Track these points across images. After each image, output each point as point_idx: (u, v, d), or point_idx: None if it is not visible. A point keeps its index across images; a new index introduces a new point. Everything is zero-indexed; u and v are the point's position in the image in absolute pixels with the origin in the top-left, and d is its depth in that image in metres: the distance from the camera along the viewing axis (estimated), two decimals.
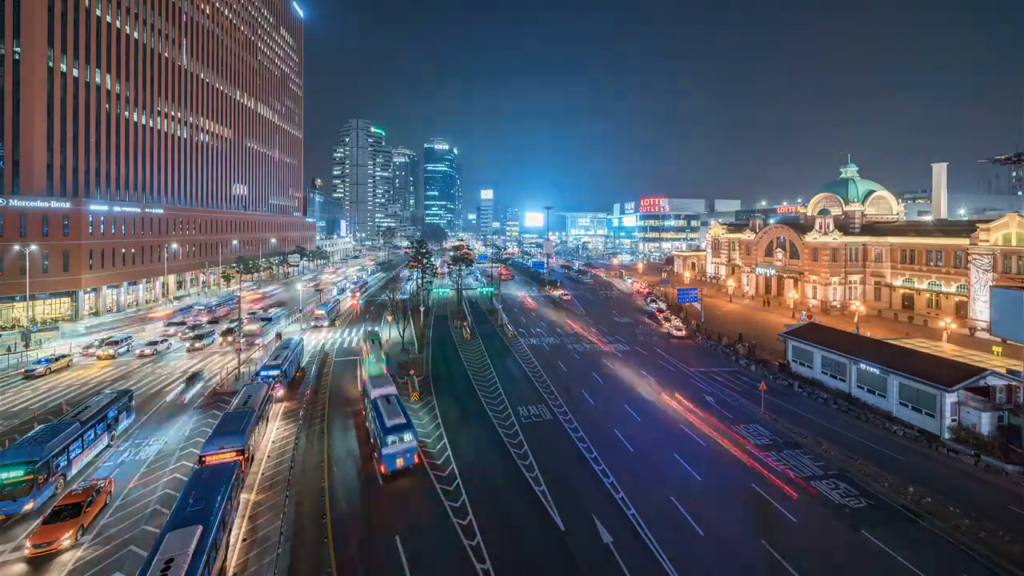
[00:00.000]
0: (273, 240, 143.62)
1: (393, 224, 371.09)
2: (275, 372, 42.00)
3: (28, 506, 25.63)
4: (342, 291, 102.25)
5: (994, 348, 49.92)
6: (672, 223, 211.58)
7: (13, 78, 67.88)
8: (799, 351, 49.74)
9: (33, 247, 66.13)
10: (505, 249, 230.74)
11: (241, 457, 27.63)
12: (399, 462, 28.97)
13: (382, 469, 29.03)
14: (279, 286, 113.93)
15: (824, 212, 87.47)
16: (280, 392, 42.11)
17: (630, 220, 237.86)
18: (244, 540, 23.67)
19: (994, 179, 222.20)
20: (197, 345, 58.08)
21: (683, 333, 65.50)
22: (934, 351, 45.56)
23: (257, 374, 42.56)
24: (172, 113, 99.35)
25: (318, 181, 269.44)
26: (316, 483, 28.73)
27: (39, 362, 49.02)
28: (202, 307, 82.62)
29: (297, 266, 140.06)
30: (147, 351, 55.30)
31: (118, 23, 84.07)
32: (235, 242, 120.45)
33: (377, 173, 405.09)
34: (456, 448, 33.16)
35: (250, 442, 29.74)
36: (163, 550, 18.55)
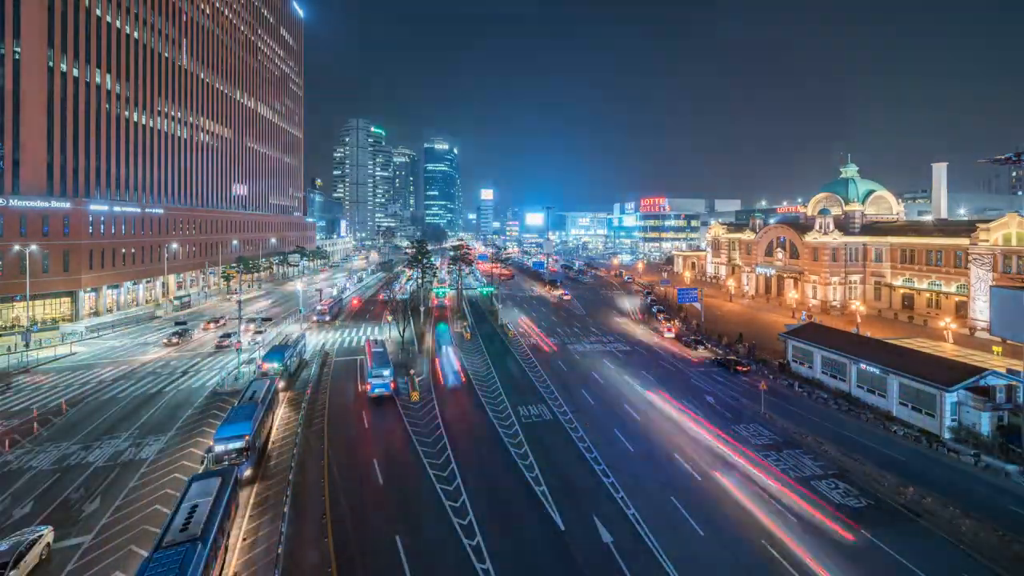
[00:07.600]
0: (273, 240, 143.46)
1: (393, 224, 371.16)
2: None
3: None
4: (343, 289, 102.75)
5: (994, 348, 49.90)
6: (672, 223, 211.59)
7: (13, 78, 67.84)
8: (799, 351, 49.76)
9: (33, 247, 66.06)
10: (505, 249, 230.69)
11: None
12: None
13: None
14: (273, 287, 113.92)
15: (824, 212, 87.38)
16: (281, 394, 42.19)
17: (630, 220, 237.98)
18: (244, 540, 23.69)
19: (994, 179, 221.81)
20: None
21: (673, 333, 65.28)
22: (934, 351, 45.55)
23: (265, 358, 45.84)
24: (172, 113, 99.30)
25: (318, 181, 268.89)
26: (316, 483, 28.73)
27: None
28: None
29: (297, 266, 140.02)
30: None
31: (118, 23, 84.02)
32: (235, 242, 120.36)
33: (377, 173, 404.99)
34: (456, 448, 33.14)
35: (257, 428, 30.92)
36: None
